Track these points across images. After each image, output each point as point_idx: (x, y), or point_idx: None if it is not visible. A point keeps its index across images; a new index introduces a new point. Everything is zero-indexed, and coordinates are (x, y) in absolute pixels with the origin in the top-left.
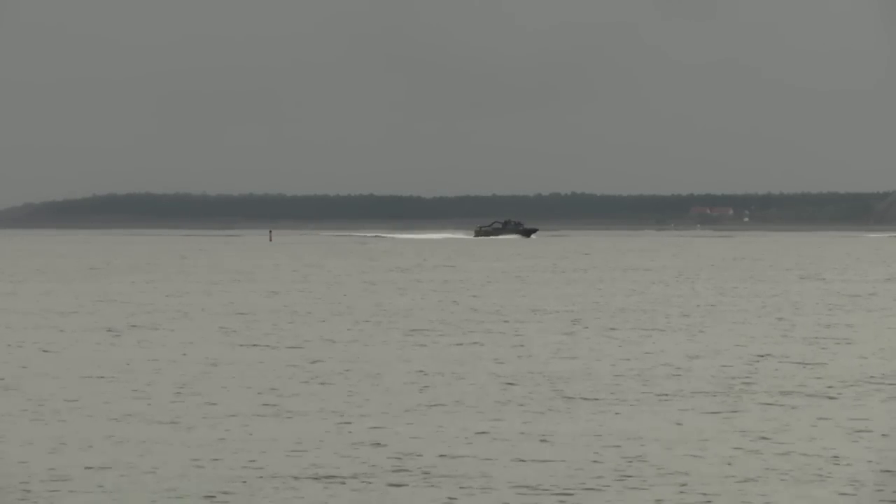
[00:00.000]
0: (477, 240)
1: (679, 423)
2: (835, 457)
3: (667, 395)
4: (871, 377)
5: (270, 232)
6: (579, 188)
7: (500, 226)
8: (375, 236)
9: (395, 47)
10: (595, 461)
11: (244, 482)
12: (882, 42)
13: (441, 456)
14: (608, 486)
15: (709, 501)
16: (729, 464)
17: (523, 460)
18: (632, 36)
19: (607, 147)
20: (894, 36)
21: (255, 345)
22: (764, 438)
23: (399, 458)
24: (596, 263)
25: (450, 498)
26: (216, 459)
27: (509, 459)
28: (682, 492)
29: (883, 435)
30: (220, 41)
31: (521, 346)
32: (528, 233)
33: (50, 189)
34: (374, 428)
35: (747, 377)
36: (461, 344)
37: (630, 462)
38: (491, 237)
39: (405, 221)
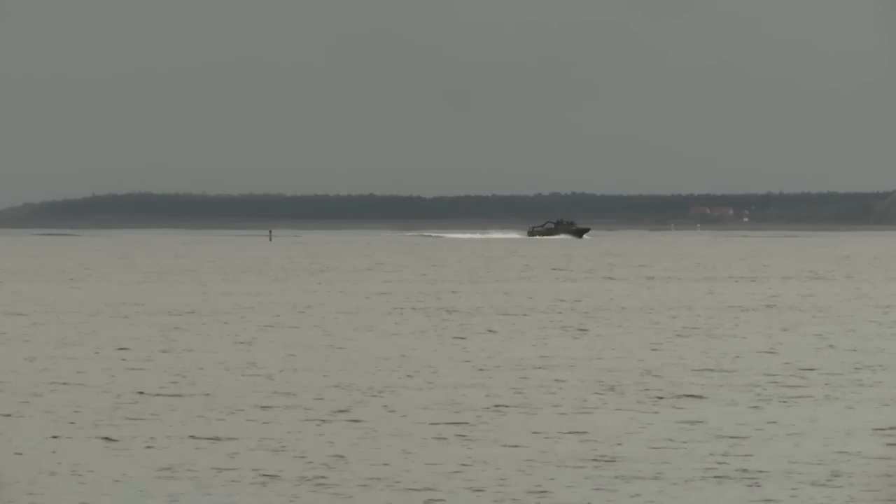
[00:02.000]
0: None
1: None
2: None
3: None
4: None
5: (270, 232)
6: (579, 188)
7: (552, 226)
8: (420, 235)
9: (396, 47)
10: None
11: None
12: (882, 41)
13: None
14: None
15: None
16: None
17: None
18: (632, 36)
19: (607, 147)
20: (894, 35)
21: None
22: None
23: None
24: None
25: None
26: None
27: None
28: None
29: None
30: (220, 40)
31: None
32: (580, 233)
33: (49, 189)
34: None
35: None
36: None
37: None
38: (542, 237)
39: (405, 222)
